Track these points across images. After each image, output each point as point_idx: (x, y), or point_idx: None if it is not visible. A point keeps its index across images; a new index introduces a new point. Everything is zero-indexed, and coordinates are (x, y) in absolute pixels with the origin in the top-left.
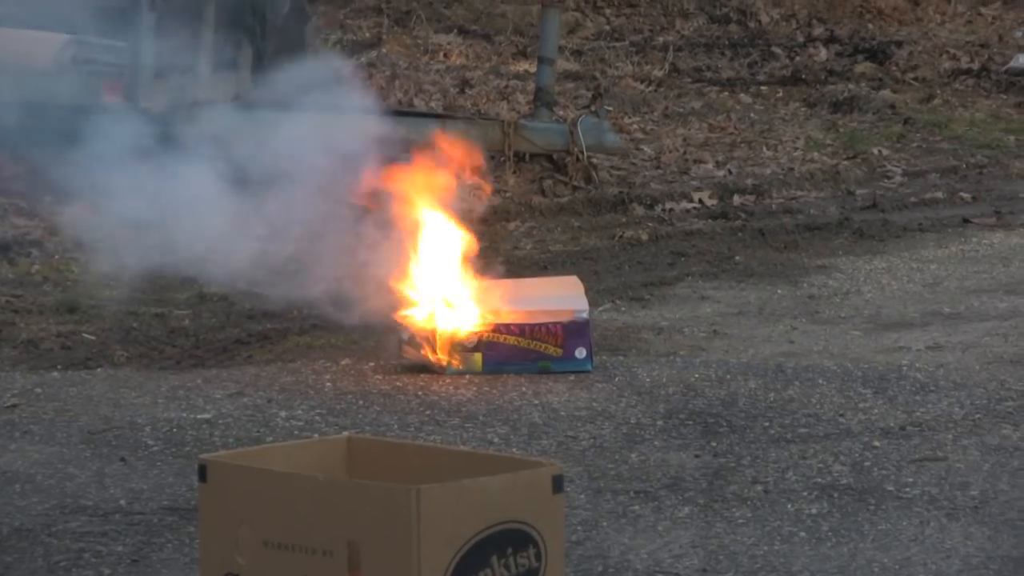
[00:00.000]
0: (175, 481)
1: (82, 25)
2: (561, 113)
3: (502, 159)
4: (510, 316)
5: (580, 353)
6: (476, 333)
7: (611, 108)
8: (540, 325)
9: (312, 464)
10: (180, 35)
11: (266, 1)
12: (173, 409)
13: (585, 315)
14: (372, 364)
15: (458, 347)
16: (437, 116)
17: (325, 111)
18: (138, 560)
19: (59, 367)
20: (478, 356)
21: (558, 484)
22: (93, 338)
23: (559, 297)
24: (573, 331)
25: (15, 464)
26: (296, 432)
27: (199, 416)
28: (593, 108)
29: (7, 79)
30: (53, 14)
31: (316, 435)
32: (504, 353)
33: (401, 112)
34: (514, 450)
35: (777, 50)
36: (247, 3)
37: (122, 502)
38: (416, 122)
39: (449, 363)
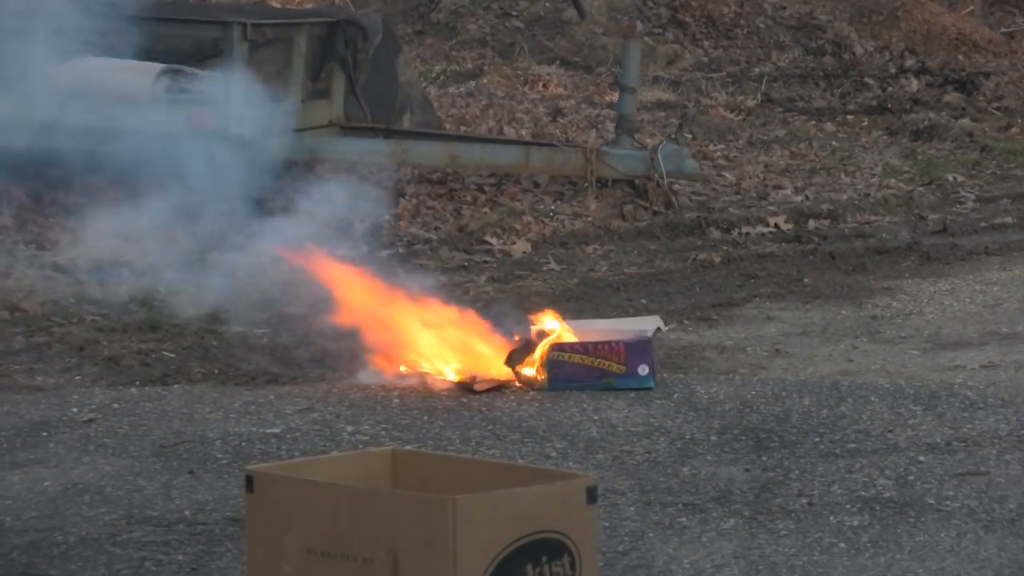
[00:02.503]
0: (239, 493)
1: (176, 56)
2: (648, 141)
3: (585, 185)
4: (577, 336)
5: (643, 370)
6: (543, 354)
7: (691, 135)
8: (603, 343)
9: (356, 476)
10: (272, 64)
11: (357, 33)
12: (244, 424)
13: (648, 334)
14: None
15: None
16: (522, 143)
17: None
18: (197, 568)
19: (137, 383)
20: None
21: (592, 495)
22: (172, 355)
23: (631, 324)
24: (635, 349)
25: (87, 476)
26: (360, 447)
27: (268, 431)
28: (674, 136)
29: (106, 107)
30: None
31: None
32: (569, 371)
33: (489, 140)
34: (571, 464)
35: (870, 81)
36: (339, 34)
37: (187, 513)
38: (502, 149)
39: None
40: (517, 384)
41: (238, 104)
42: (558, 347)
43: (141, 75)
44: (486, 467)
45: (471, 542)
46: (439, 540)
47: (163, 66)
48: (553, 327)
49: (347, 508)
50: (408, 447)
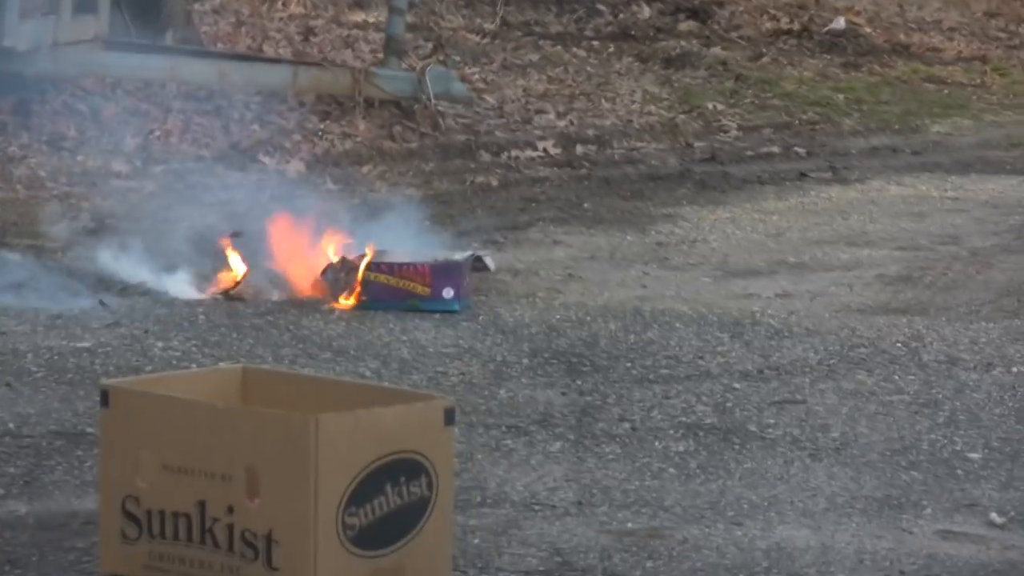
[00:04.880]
0: (61, 406)
1: None
2: (408, 62)
3: (352, 105)
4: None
5: (447, 293)
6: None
7: (458, 59)
8: (408, 264)
9: (210, 392)
10: None
11: None
12: (53, 338)
13: (456, 257)
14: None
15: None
16: (291, 63)
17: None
18: (30, 482)
19: None
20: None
21: (450, 417)
22: None
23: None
24: (441, 271)
25: None
26: (174, 362)
27: (78, 345)
28: (441, 58)
29: None
30: None
31: (194, 365)
32: (375, 291)
33: (256, 59)
34: (387, 384)
35: (601, 7)
36: None
37: (11, 425)
38: (271, 68)
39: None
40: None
41: (7, 15)
42: (368, 267)
43: None
44: (339, 386)
45: (333, 461)
46: (300, 459)
47: None
48: (367, 247)
49: (206, 424)
50: (259, 366)
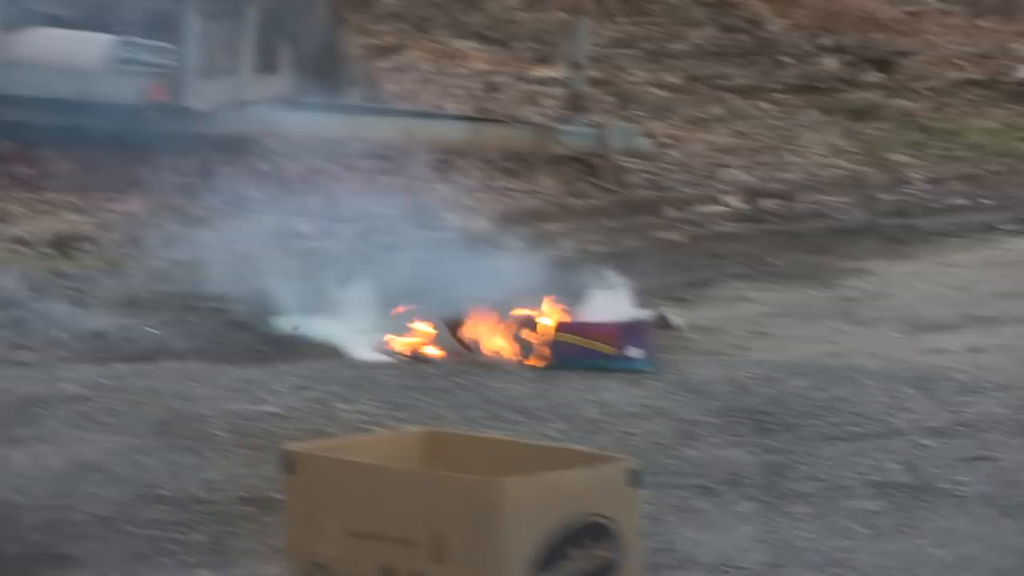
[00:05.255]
0: (247, 472)
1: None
2: (592, 118)
3: (536, 162)
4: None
5: (635, 352)
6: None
7: (641, 113)
8: (597, 325)
9: (394, 456)
10: (223, 36)
11: (304, 6)
12: (238, 401)
13: (642, 316)
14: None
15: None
16: (473, 119)
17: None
18: (218, 549)
19: (124, 359)
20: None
21: (635, 479)
22: (156, 332)
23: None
24: (629, 331)
25: (90, 454)
26: (360, 426)
27: (264, 409)
28: (624, 113)
29: (56, 78)
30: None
31: (379, 429)
32: (564, 351)
33: (439, 115)
34: (571, 446)
35: (786, 59)
36: (287, 8)
37: (198, 492)
38: (454, 125)
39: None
40: (519, 359)
41: (189, 77)
42: (557, 327)
43: (93, 46)
44: (523, 449)
45: (518, 525)
46: (486, 523)
47: (116, 37)
48: (555, 307)
49: (390, 489)
50: (443, 429)
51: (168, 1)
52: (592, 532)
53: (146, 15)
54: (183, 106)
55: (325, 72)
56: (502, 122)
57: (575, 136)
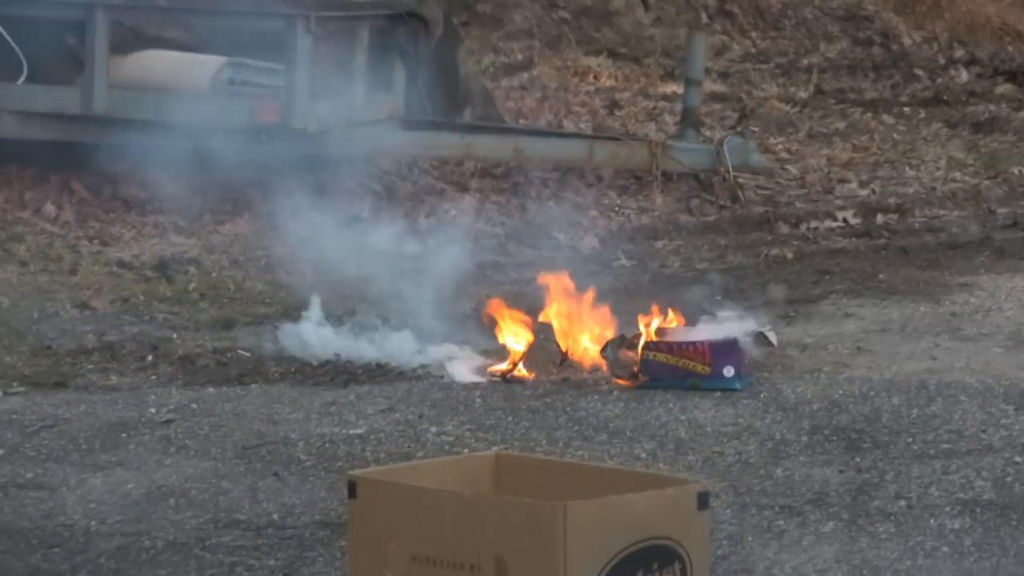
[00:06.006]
0: (327, 496)
1: (239, 48)
2: (708, 134)
3: (650, 179)
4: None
5: (728, 372)
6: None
7: (756, 129)
8: (689, 344)
9: (460, 480)
10: (334, 57)
11: (419, 25)
12: (325, 425)
13: (733, 336)
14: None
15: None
16: (587, 137)
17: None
18: (290, 574)
19: (214, 383)
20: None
21: (703, 501)
22: (248, 354)
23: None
24: (721, 350)
25: (170, 479)
26: (447, 448)
27: (351, 432)
28: (739, 129)
29: (166, 101)
30: (211, 38)
31: (466, 451)
32: (655, 370)
33: (552, 134)
34: (661, 466)
35: (919, 72)
36: (401, 26)
37: (275, 516)
38: (567, 143)
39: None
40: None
41: (299, 98)
42: (647, 346)
43: (203, 68)
44: (592, 471)
45: (582, 550)
46: (549, 548)
47: (226, 59)
48: (653, 324)
49: (453, 514)
50: (510, 451)
51: (279, 22)
52: (659, 556)
53: (256, 36)
54: (294, 127)
55: (440, 91)
56: (616, 139)
57: (690, 152)
